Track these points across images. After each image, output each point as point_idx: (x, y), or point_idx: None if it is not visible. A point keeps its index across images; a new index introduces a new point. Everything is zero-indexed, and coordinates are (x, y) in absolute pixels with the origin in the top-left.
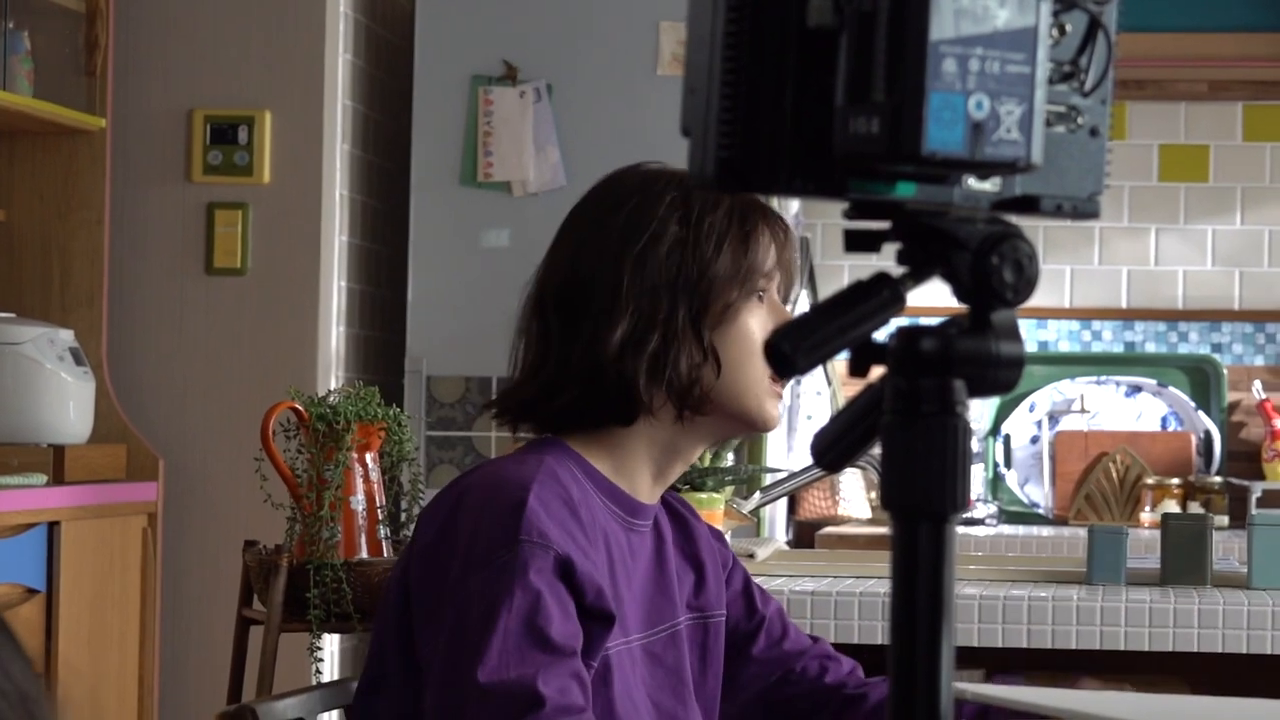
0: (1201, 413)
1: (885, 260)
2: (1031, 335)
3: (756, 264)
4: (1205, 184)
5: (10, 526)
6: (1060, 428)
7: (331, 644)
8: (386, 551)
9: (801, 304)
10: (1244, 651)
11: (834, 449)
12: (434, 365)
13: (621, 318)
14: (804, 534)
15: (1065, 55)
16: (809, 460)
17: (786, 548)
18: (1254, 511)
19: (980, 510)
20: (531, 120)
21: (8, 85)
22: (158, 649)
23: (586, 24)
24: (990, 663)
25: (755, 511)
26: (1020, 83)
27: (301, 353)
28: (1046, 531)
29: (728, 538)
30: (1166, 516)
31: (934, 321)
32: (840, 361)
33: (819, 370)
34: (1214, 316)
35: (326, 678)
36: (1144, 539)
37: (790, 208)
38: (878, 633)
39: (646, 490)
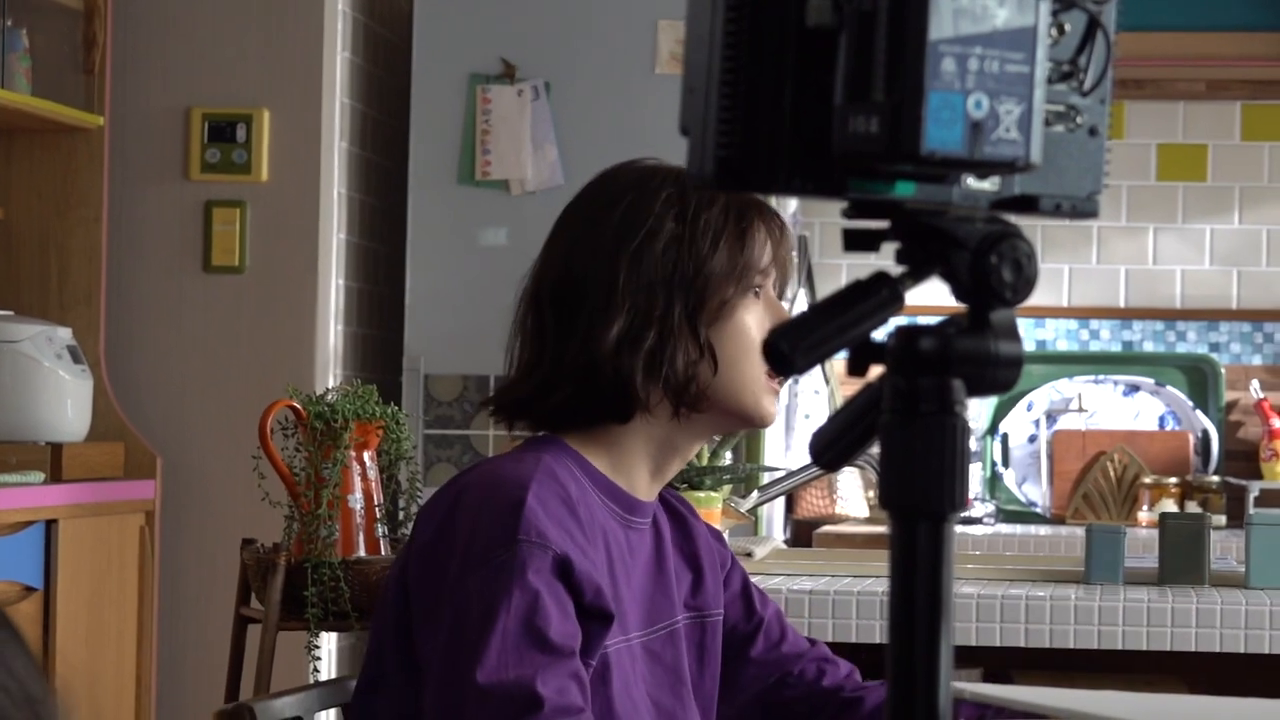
0: (1199, 412)
1: (884, 259)
2: (1029, 334)
3: (753, 260)
4: (1203, 183)
5: (8, 524)
6: (1058, 427)
7: (329, 642)
8: (384, 550)
9: (800, 303)
10: (1242, 651)
11: (832, 448)
12: (432, 364)
13: (618, 315)
14: (801, 533)
15: (1064, 55)
16: (807, 459)
17: (784, 546)
18: (1252, 511)
19: (978, 509)
20: (529, 119)
21: (6, 83)
22: (155, 647)
23: (585, 23)
24: (988, 662)
25: (753, 510)
26: (1019, 82)
27: (299, 351)
28: (1044, 530)
29: (725, 536)
30: (1164, 516)
31: (933, 321)
32: (838, 361)
33: (817, 369)
34: (1212, 316)
35: (324, 676)
36: (1141, 538)
37: (788, 206)
38: (876, 632)
39: (644, 487)
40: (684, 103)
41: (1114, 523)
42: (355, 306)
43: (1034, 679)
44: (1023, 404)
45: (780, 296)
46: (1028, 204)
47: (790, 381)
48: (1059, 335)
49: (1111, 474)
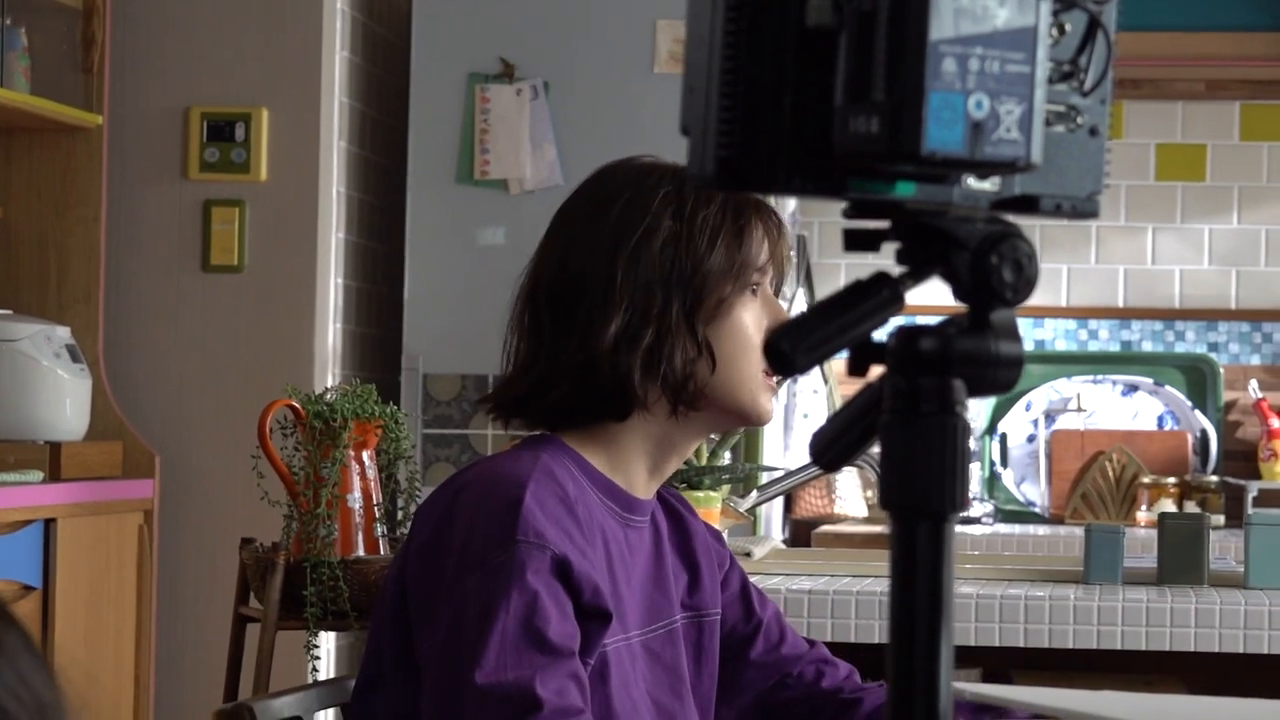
0: (1198, 412)
1: (883, 259)
2: (1028, 334)
3: (750, 258)
4: (1202, 183)
5: (7, 523)
6: (1057, 426)
7: (328, 642)
8: (383, 549)
9: (799, 303)
10: (1241, 651)
11: (832, 448)
12: (430, 363)
13: (615, 313)
14: (800, 532)
15: (1065, 55)
16: (806, 459)
17: (783, 546)
18: (1251, 511)
19: (976, 509)
20: (528, 118)
21: (5, 82)
22: (154, 646)
23: (584, 22)
24: (987, 662)
25: (752, 510)
26: (1020, 82)
27: (298, 350)
28: (1042, 530)
29: (724, 536)
30: (1163, 516)
31: (933, 321)
32: (837, 360)
33: (816, 368)
34: (1211, 316)
35: (323, 676)
36: (1140, 538)
37: (787, 206)
38: (875, 632)
39: (642, 485)
40: (684, 102)
41: (1113, 523)
42: (354, 306)
43: (1033, 679)
44: (1021, 404)
45: (777, 294)
46: (1028, 204)
47: (789, 381)
48: (1058, 335)
49: (1110, 474)
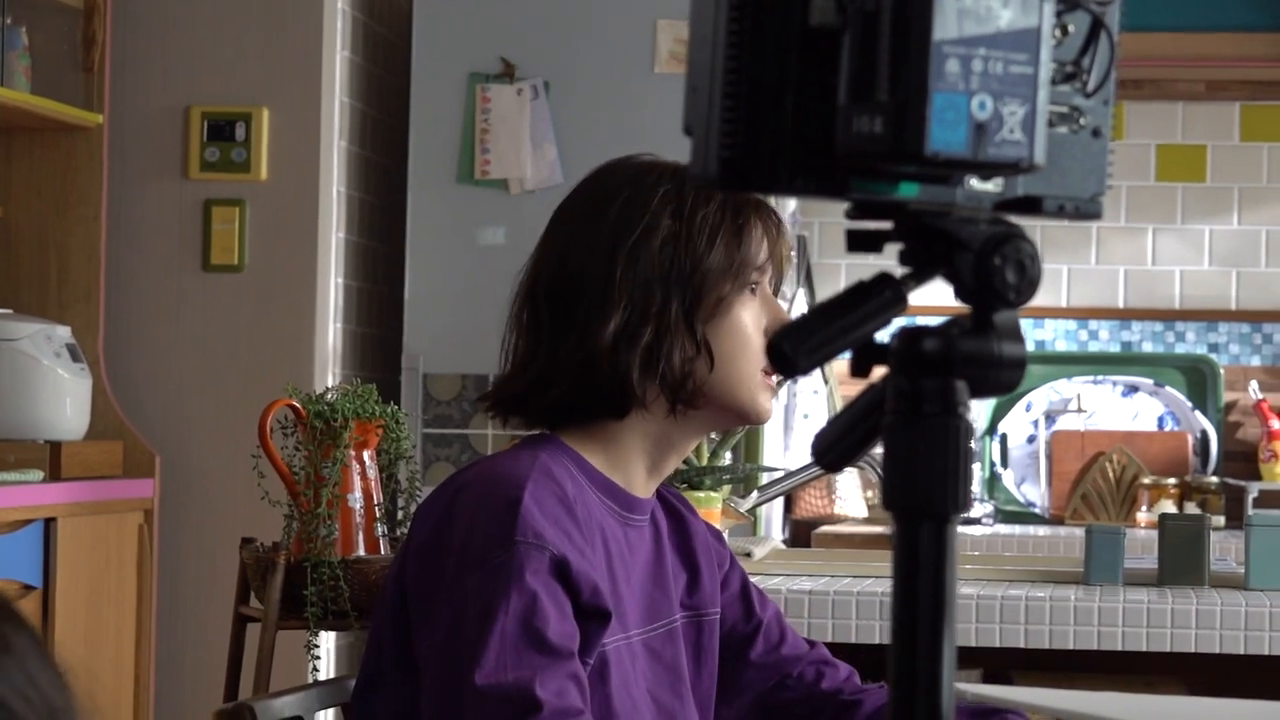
0: (1198, 413)
1: (883, 260)
2: (1028, 334)
3: (749, 257)
4: (1202, 184)
5: (7, 522)
6: (1057, 427)
7: (328, 641)
8: (384, 549)
9: (799, 303)
10: (1241, 652)
11: (835, 449)
12: (430, 363)
13: (614, 311)
14: (800, 533)
15: (1068, 56)
16: (806, 459)
17: (783, 547)
18: (1251, 512)
19: (976, 510)
20: (529, 118)
21: (5, 81)
22: (154, 646)
23: (584, 22)
24: (988, 663)
25: (753, 510)
26: (1023, 83)
27: (298, 349)
28: (1042, 531)
29: (725, 536)
30: (1164, 517)
31: (936, 322)
32: (838, 361)
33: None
34: (1211, 316)
35: (323, 675)
36: (1140, 539)
37: (787, 205)
38: (875, 632)
39: (641, 484)
40: (687, 102)
41: (1113, 523)
42: (354, 305)
43: (1033, 680)
44: (1021, 404)
45: (776, 293)
46: (1031, 205)
47: (789, 381)
48: (1058, 336)
49: (1110, 474)
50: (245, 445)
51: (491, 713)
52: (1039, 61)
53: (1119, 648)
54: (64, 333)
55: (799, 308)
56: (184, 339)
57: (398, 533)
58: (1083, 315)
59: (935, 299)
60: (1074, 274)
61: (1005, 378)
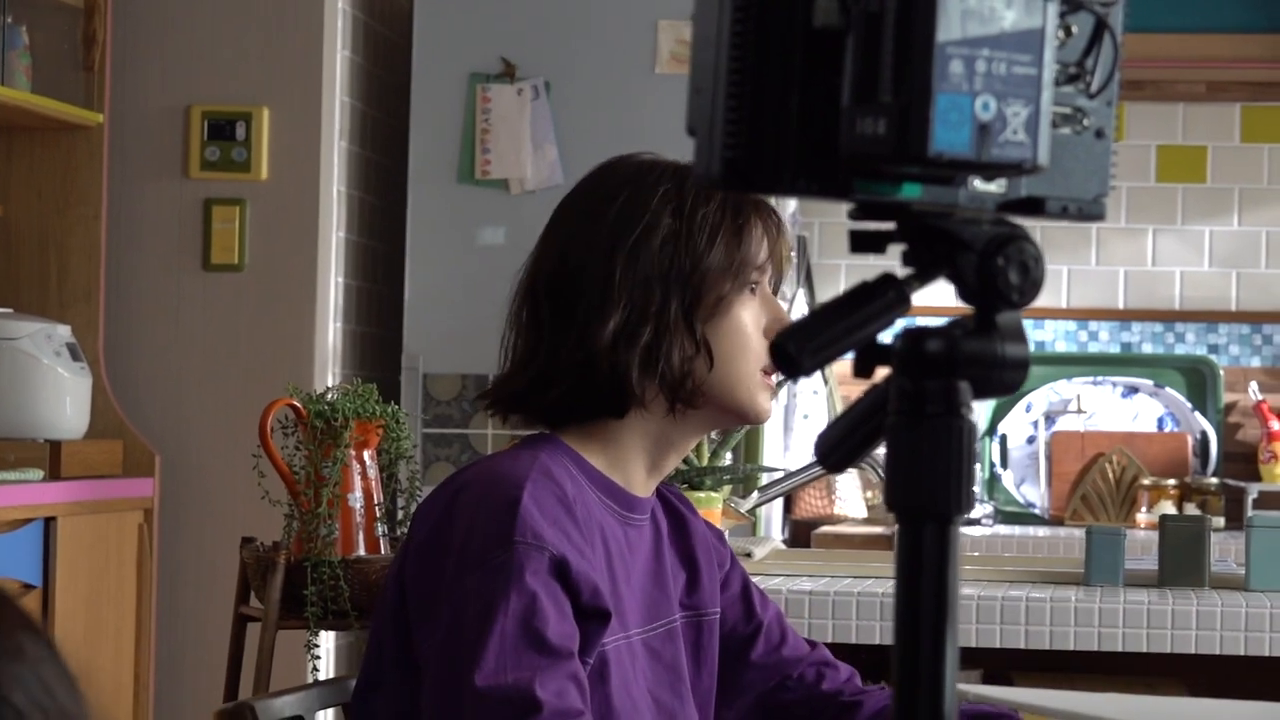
0: (1198, 414)
1: (884, 260)
2: (1028, 335)
3: (749, 257)
4: (1203, 185)
5: (7, 521)
6: (1057, 428)
7: (327, 641)
8: (384, 549)
9: (799, 303)
10: (1242, 653)
11: (838, 450)
12: (430, 362)
13: (614, 310)
14: (800, 533)
15: (1071, 57)
16: (805, 459)
17: (783, 547)
18: (1251, 513)
19: (976, 510)
20: (529, 118)
21: (6, 80)
22: (153, 645)
23: (585, 22)
24: (988, 664)
25: (753, 511)
26: (1027, 84)
27: (298, 349)
28: (1042, 532)
29: (725, 536)
30: (1164, 518)
31: (939, 322)
32: (838, 361)
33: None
34: (1211, 317)
35: (323, 675)
36: (1140, 540)
37: (787, 205)
38: (876, 633)
39: (641, 483)
40: (691, 103)
41: (1113, 524)
42: (354, 305)
43: (1034, 680)
44: (1021, 405)
45: (776, 293)
46: (1034, 206)
47: (789, 382)
48: (1058, 336)
49: (1110, 475)
50: (245, 444)
51: (491, 713)
52: (1043, 62)
53: (1119, 649)
54: (64, 332)
55: (799, 308)
56: (184, 338)
57: (398, 532)
58: (1083, 316)
59: (938, 300)
60: (1074, 275)
61: (1008, 378)
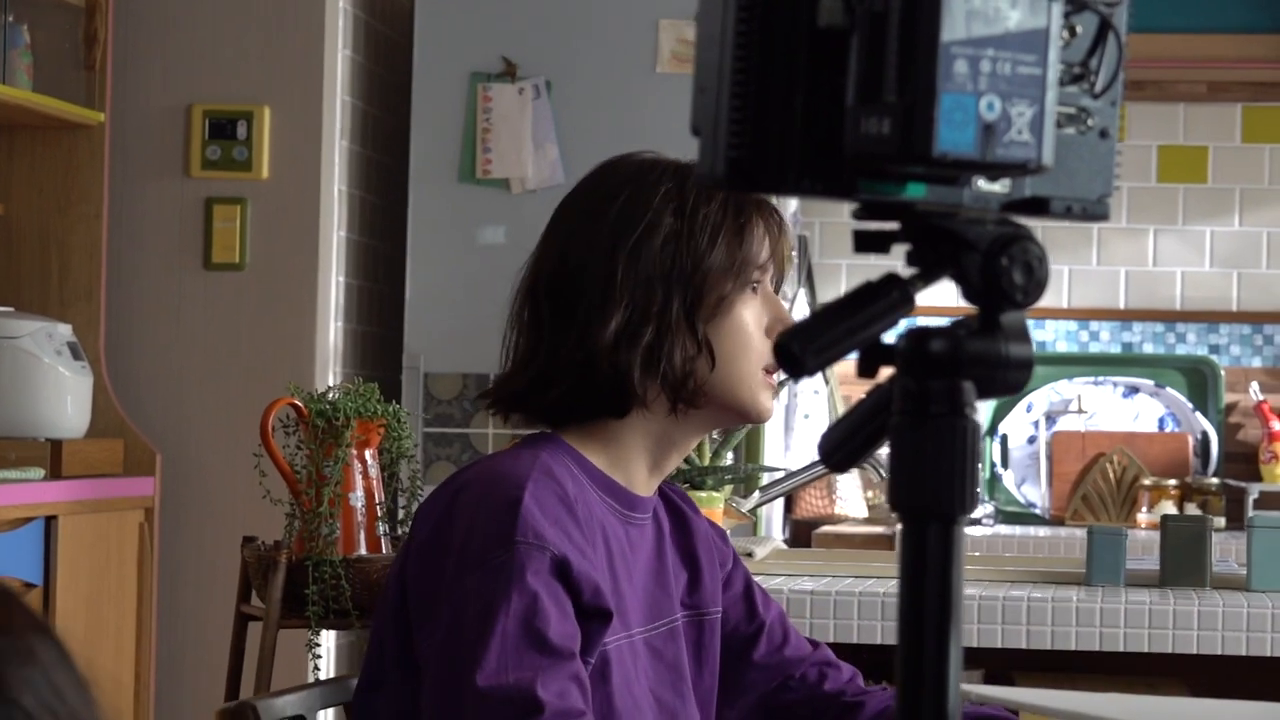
0: (1199, 414)
1: (885, 260)
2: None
3: (751, 256)
4: (1204, 185)
5: (7, 520)
6: (1057, 428)
7: (328, 640)
8: (385, 548)
9: (799, 302)
10: (1243, 654)
11: (842, 450)
12: (431, 362)
13: (615, 310)
14: (800, 533)
15: (1076, 57)
16: (807, 459)
17: (785, 547)
18: (1253, 513)
19: (977, 510)
20: (530, 117)
21: (7, 79)
22: (154, 644)
23: (586, 21)
24: (990, 663)
25: (754, 510)
26: (1031, 84)
27: (299, 348)
28: (1043, 532)
29: (728, 535)
30: (1166, 518)
31: (943, 322)
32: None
33: None
34: (1212, 318)
35: (324, 674)
36: (1140, 540)
37: (788, 205)
38: (877, 632)
39: (643, 482)
40: (695, 103)
41: (1114, 524)
42: (355, 304)
43: (1035, 680)
44: (1022, 405)
45: (777, 292)
46: (1038, 206)
47: (791, 381)
48: (1059, 336)
49: (1111, 475)
50: (246, 443)
51: (493, 714)
52: (1047, 62)
53: (1121, 649)
54: (65, 331)
55: (800, 308)
56: (185, 337)
57: (399, 532)
58: (1084, 316)
59: (942, 299)
60: (1075, 275)
61: (1012, 378)
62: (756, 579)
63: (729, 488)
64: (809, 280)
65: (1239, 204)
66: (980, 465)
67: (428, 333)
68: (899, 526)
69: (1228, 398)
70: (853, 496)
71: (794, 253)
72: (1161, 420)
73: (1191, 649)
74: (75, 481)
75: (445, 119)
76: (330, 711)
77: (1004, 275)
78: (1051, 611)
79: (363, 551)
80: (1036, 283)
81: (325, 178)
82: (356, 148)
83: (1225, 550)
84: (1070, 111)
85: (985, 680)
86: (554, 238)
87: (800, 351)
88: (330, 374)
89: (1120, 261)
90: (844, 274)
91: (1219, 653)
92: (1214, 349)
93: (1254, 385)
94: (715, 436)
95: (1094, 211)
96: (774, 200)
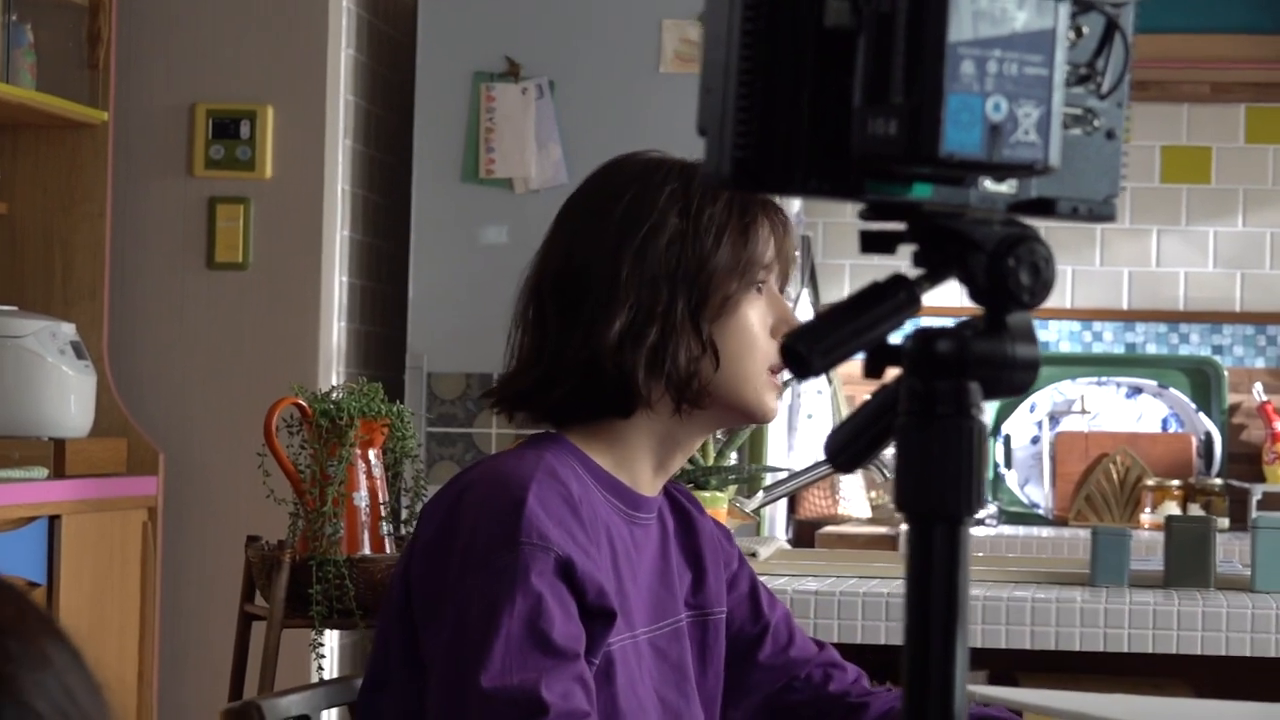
0: (1202, 414)
1: (889, 261)
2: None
3: (756, 256)
4: (1207, 185)
5: (11, 520)
6: (1061, 428)
7: (331, 640)
8: (389, 548)
9: (802, 303)
10: (1247, 654)
11: (848, 450)
12: (434, 361)
13: (620, 310)
14: (804, 533)
15: (1082, 57)
16: (810, 459)
17: (788, 547)
18: (1257, 514)
19: (980, 510)
20: (533, 117)
21: (11, 78)
22: (157, 643)
23: (589, 21)
24: (993, 664)
25: (758, 510)
26: (1038, 85)
27: (302, 348)
28: (1046, 532)
29: (733, 536)
30: (1170, 519)
31: (949, 323)
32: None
33: None
34: (1215, 318)
35: (328, 674)
36: (1144, 540)
37: (792, 205)
38: (881, 633)
39: (647, 482)
40: (701, 103)
41: (1118, 525)
42: (359, 303)
43: (1039, 681)
44: (1025, 405)
45: (782, 291)
46: (1045, 207)
47: (795, 381)
48: (1062, 337)
49: (1114, 476)
50: (249, 443)
51: (498, 715)
52: (1054, 63)
53: (1125, 649)
54: (68, 330)
55: (803, 308)
56: (188, 336)
57: (403, 532)
58: (1087, 316)
59: (949, 300)
60: (1078, 275)
61: (1019, 379)
62: (761, 579)
63: (733, 488)
64: (812, 280)
65: (1242, 204)
66: (986, 466)
67: (431, 332)
68: (903, 527)
69: (1231, 398)
70: (856, 497)
71: (798, 253)
72: (1165, 421)
73: (1196, 650)
74: (78, 481)
75: (448, 118)
76: (334, 711)
77: (1010, 276)
78: (1056, 612)
79: (366, 551)
80: (1043, 283)
81: (328, 177)
82: (360, 147)
83: (1229, 551)
84: (1077, 112)
85: (989, 681)
86: (559, 237)
87: (807, 352)
88: (333, 374)
89: (1123, 262)
90: (847, 274)
91: (1223, 654)
92: (1217, 349)
93: (1257, 386)
94: (719, 436)
95: (1100, 212)
96: (777, 200)
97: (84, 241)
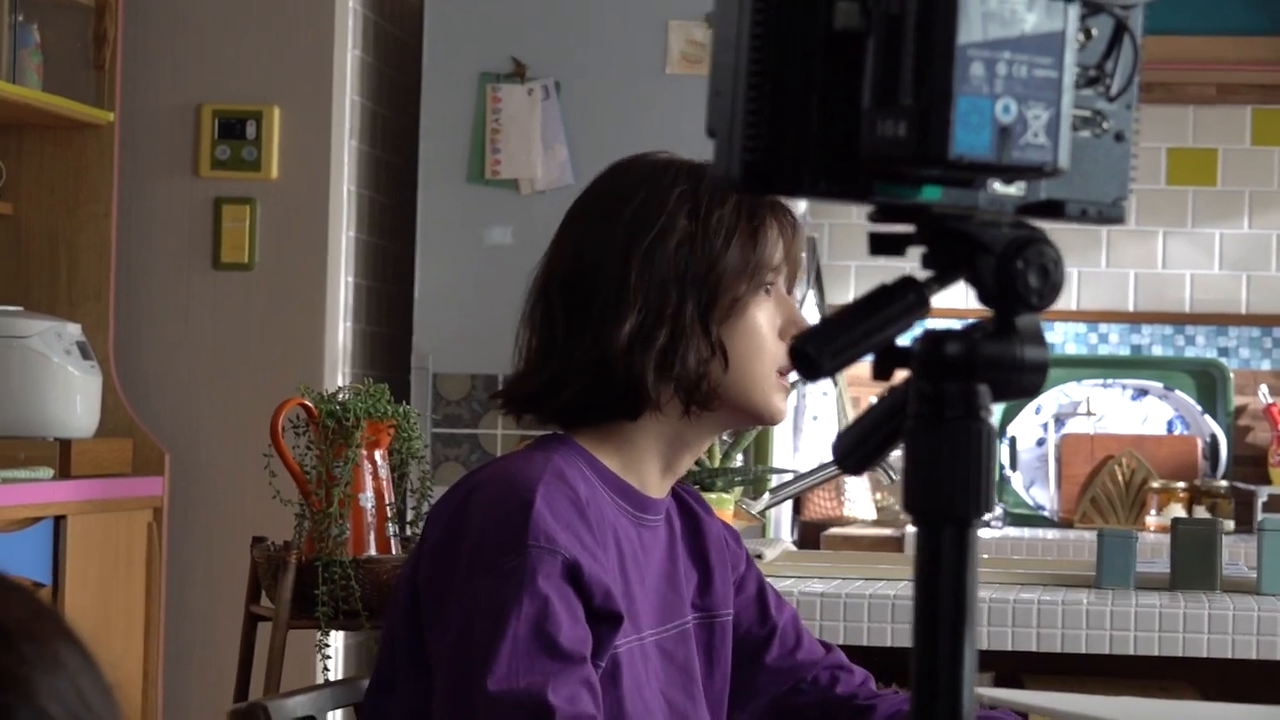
0: (1208, 416)
1: (894, 262)
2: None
3: (765, 258)
4: (1213, 187)
5: (16, 520)
6: (1066, 430)
7: (337, 641)
8: (395, 549)
9: (809, 304)
10: (1254, 657)
11: (857, 452)
12: (440, 362)
13: (629, 312)
14: (809, 534)
15: (1092, 59)
16: (815, 461)
17: (794, 549)
18: (1263, 516)
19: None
20: (539, 118)
21: (17, 79)
22: (163, 644)
23: (595, 22)
24: (999, 666)
25: (763, 512)
26: (1047, 87)
27: (308, 348)
28: (1051, 534)
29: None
30: (1176, 521)
31: (958, 325)
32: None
33: None
34: (1221, 320)
35: (333, 675)
36: (1149, 543)
37: (798, 206)
38: (887, 635)
39: (655, 484)
40: (710, 105)
41: (1123, 527)
42: (364, 304)
43: (1045, 683)
44: (1031, 407)
45: (790, 293)
46: (1054, 209)
47: (802, 383)
48: (1068, 339)
49: (1119, 478)
50: (255, 443)
51: (504, 718)
52: (1063, 65)
53: (1131, 652)
54: (74, 330)
55: (808, 309)
56: (194, 337)
57: (409, 533)
58: (1093, 318)
59: (957, 302)
60: (1084, 277)
61: (1027, 381)
62: (768, 581)
63: (739, 489)
64: (818, 282)
65: (1248, 206)
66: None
67: (436, 333)
68: (908, 528)
69: (1237, 400)
70: (861, 498)
71: (803, 254)
72: (1170, 423)
73: (1202, 652)
74: (84, 481)
75: (454, 119)
76: (340, 712)
77: (1019, 278)
78: (1061, 614)
79: (372, 552)
80: (1052, 285)
81: (334, 178)
82: (366, 148)
83: (1234, 553)
84: (1086, 114)
85: (995, 683)
86: (568, 238)
87: (817, 354)
88: (339, 374)
89: (1129, 264)
90: (853, 275)
91: (1229, 656)
92: (1223, 351)
93: (1263, 388)
94: (725, 438)
95: (1109, 214)
96: (785, 201)
97: (90, 242)
